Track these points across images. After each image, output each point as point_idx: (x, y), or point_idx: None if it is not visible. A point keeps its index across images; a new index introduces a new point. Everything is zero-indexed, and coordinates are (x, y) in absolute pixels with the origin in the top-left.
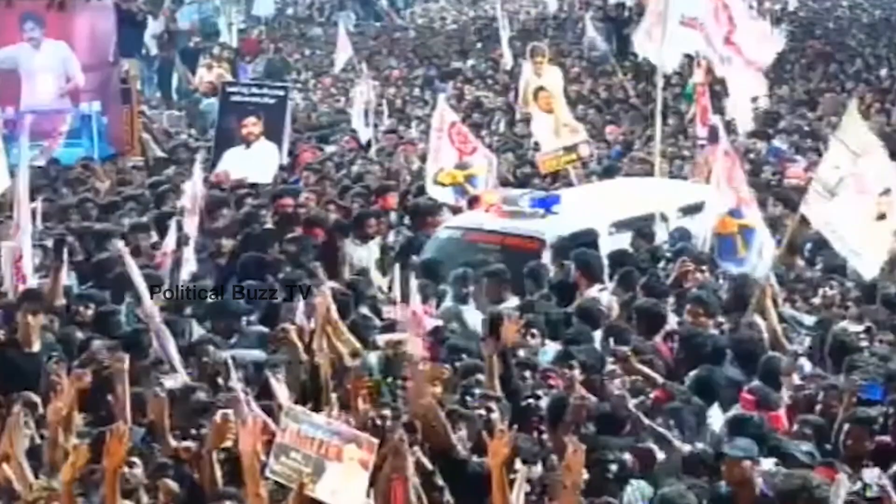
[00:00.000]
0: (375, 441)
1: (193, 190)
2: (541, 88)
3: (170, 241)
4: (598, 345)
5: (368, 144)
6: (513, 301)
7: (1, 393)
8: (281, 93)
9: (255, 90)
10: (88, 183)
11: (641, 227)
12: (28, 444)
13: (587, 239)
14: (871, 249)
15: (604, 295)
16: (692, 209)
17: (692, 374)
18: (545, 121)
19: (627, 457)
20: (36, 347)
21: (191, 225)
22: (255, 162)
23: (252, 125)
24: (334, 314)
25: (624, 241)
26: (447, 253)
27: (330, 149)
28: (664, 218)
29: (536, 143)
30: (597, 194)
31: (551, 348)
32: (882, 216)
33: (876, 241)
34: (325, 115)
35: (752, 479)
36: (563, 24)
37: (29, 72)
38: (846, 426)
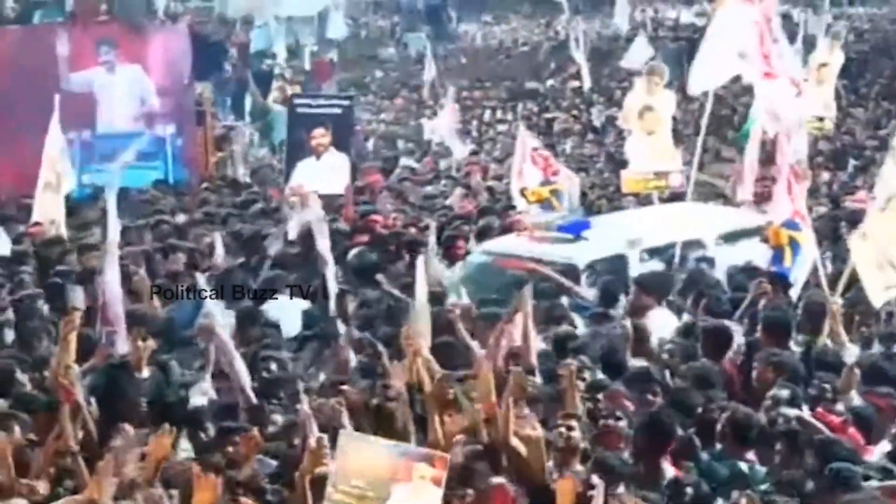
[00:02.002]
0: (447, 456)
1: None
2: (649, 108)
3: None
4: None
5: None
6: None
7: (107, 416)
8: (347, 102)
9: (321, 101)
10: (158, 204)
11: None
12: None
13: (617, 265)
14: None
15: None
16: (733, 236)
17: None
18: (644, 141)
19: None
20: (145, 373)
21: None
22: (326, 173)
23: (321, 136)
24: (425, 350)
25: (656, 267)
26: (477, 276)
27: (406, 162)
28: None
29: (618, 162)
30: (631, 220)
31: None
32: None
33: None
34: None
35: None
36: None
37: (104, 95)
38: None
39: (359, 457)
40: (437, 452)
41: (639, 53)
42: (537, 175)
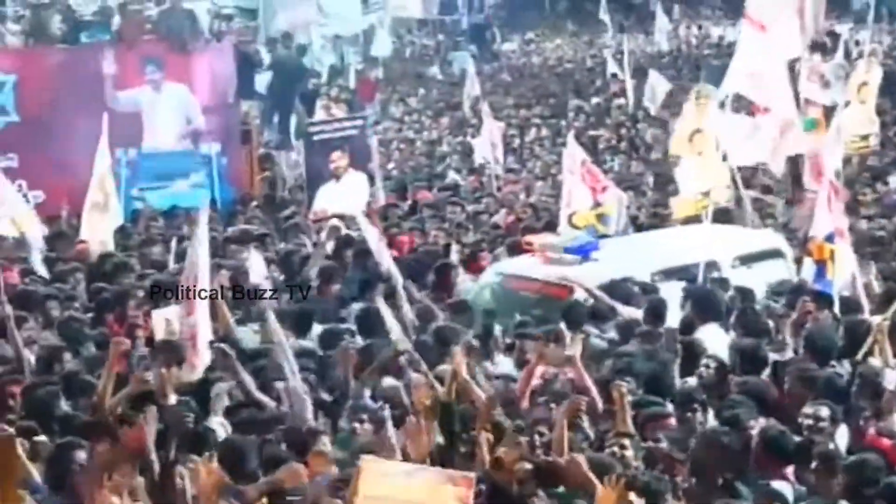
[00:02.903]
0: (472, 475)
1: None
2: (698, 130)
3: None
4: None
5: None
6: None
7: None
8: (361, 122)
9: (335, 125)
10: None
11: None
12: None
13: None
14: None
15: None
16: (750, 258)
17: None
18: (693, 162)
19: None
20: (171, 400)
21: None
22: (347, 194)
23: (339, 159)
24: (463, 371)
25: (668, 290)
26: (488, 298)
27: (451, 179)
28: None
29: (666, 180)
30: (643, 242)
31: None
32: None
33: None
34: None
35: None
36: (677, 62)
37: (150, 114)
38: None
39: (382, 483)
40: (461, 473)
41: (657, 89)
42: (586, 194)
